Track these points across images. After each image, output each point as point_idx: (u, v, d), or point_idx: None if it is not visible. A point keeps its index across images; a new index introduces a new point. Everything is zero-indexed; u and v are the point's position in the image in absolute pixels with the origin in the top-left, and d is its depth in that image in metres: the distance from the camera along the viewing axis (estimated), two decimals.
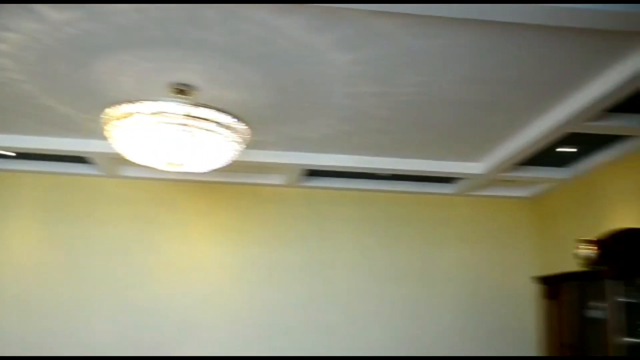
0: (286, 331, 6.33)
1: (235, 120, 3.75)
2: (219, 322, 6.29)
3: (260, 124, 4.61)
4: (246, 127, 3.86)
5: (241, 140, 3.96)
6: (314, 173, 6.25)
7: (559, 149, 5.11)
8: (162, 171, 4.44)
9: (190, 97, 3.86)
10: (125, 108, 3.61)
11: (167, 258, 6.34)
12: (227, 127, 3.76)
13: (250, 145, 4.61)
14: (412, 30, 3.14)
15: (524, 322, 6.48)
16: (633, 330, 4.22)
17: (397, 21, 3.05)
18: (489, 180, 6.02)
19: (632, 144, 4.79)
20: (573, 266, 5.36)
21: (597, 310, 4.88)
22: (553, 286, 5.54)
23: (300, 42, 3.30)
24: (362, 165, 5.64)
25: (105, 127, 3.84)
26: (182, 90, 3.88)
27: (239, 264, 6.46)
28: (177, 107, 3.59)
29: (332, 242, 6.61)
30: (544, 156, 5.29)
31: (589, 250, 5.02)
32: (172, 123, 3.60)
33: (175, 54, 3.53)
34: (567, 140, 4.79)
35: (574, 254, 5.33)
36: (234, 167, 5.28)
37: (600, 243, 4.55)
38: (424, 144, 5.19)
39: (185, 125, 3.61)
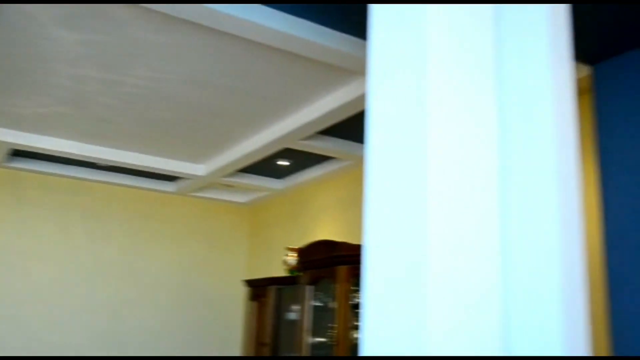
0: None
1: None
2: None
3: None
4: None
5: None
6: (22, 154, 5.65)
7: (278, 162, 5.48)
8: None
9: None
10: None
11: None
12: None
13: None
14: (144, 22, 3.07)
15: (233, 322, 6.76)
16: (318, 330, 4.71)
17: (129, 11, 2.95)
18: (210, 182, 6.16)
19: (337, 164, 5.37)
20: (281, 271, 5.79)
21: (294, 313, 5.35)
22: (258, 289, 5.89)
23: (20, 9, 2.97)
24: (80, 153, 5.28)
25: None
26: None
27: None
28: None
29: (35, 231, 6.04)
30: (264, 166, 5.63)
31: (292, 258, 5.48)
32: None
33: None
34: (284, 154, 5.17)
35: (282, 260, 5.77)
36: None
37: (300, 251, 5.00)
38: (148, 139, 5.08)
39: None
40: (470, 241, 1.48)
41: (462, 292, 1.42)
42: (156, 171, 5.84)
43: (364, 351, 1.55)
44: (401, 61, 1.59)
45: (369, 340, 1.55)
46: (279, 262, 6.05)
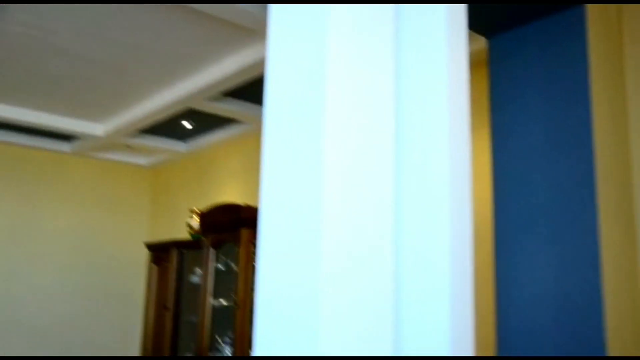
0: None
1: None
2: None
3: None
4: None
5: None
6: None
7: (182, 123, 5.31)
8: None
9: None
10: None
11: None
12: None
13: None
14: None
15: (134, 285, 6.61)
16: (221, 293, 4.71)
17: None
18: (110, 143, 5.90)
19: (242, 128, 5.30)
20: (186, 235, 5.69)
21: (196, 276, 5.31)
22: (160, 252, 5.78)
23: None
24: None
25: None
26: None
27: None
28: None
29: None
30: (167, 128, 5.46)
31: (197, 221, 5.40)
32: None
33: None
34: (188, 115, 5.03)
35: (186, 223, 5.67)
36: None
37: (203, 215, 4.94)
38: (39, 94, 4.76)
39: None
40: (365, 206, 1.51)
41: (355, 257, 1.46)
42: (49, 129, 5.51)
43: (257, 313, 1.56)
44: (301, 24, 1.57)
45: (262, 303, 1.56)
46: (183, 226, 5.95)
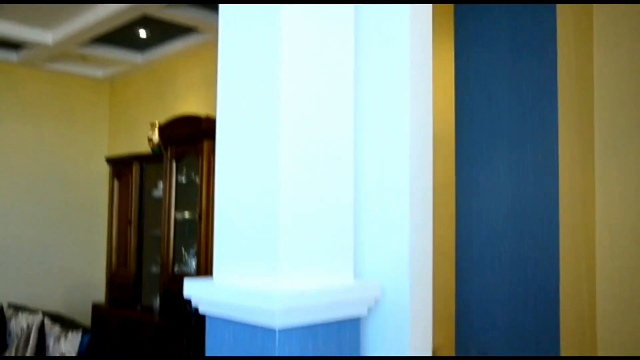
0: None
1: None
2: None
3: None
4: None
5: None
6: None
7: (139, 30, 5.04)
8: None
9: None
10: None
11: None
12: None
13: None
14: None
15: (98, 201, 6.53)
16: (184, 206, 4.70)
17: None
18: (61, 53, 5.60)
19: (201, 37, 5.09)
20: (147, 148, 5.58)
21: (159, 190, 5.26)
22: (122, 167, 5.69)
23: None
24: None
25: None
26: None
27: None
28: None
29: None
30: (122, 37, 5.20)
31: (156, 134, 5.28)
32: None
33: None
34: (144, 23, 4.78)
35: (147, 137, 5.54)
36: None
37: (163, 127, 4.82)
38: None
39: None
40: (323, 116, 1.47)
41: (314, 165, 1.43)
42: None
43: (217, 224, 1.54)
44: None
45: (221, 215, 1.54)
46: (144, 139, 5.81)
